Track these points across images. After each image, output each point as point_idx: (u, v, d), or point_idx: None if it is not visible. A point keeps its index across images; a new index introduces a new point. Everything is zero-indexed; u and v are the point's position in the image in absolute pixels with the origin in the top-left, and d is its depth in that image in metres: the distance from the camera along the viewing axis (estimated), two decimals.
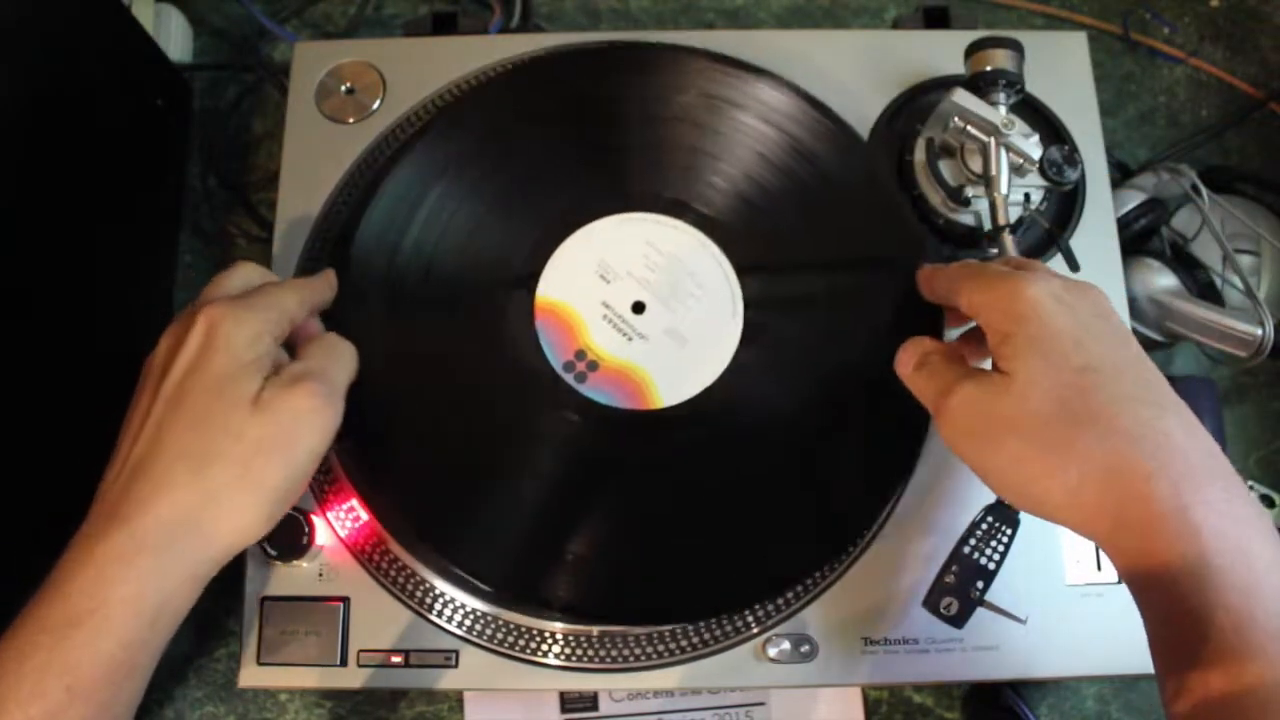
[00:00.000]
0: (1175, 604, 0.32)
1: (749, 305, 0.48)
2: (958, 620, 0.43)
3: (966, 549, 0.43)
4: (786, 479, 0.46)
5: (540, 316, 0.47)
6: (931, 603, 0.43)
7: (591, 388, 0.46)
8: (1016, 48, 0.48)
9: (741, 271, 0.48)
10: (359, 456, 0.45)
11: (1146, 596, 0.34)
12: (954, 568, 0.43)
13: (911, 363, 0.42)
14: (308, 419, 0.38)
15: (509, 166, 0.49)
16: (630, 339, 0.47)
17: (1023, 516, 0.43)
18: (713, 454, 0.46)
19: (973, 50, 0.48)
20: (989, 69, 0.47)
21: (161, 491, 0.35)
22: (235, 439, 0.36)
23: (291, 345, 0.42)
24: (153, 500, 0.35)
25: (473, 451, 0.46)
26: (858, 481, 0.46)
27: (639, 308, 0.48)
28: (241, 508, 0.36)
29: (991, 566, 0.43)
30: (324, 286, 0.45)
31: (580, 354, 0.47)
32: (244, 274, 0.41)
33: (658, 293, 0.48)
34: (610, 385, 0.47)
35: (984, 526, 0.43)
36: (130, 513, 0.35)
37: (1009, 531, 0.43)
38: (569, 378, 0.46)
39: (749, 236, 0.48)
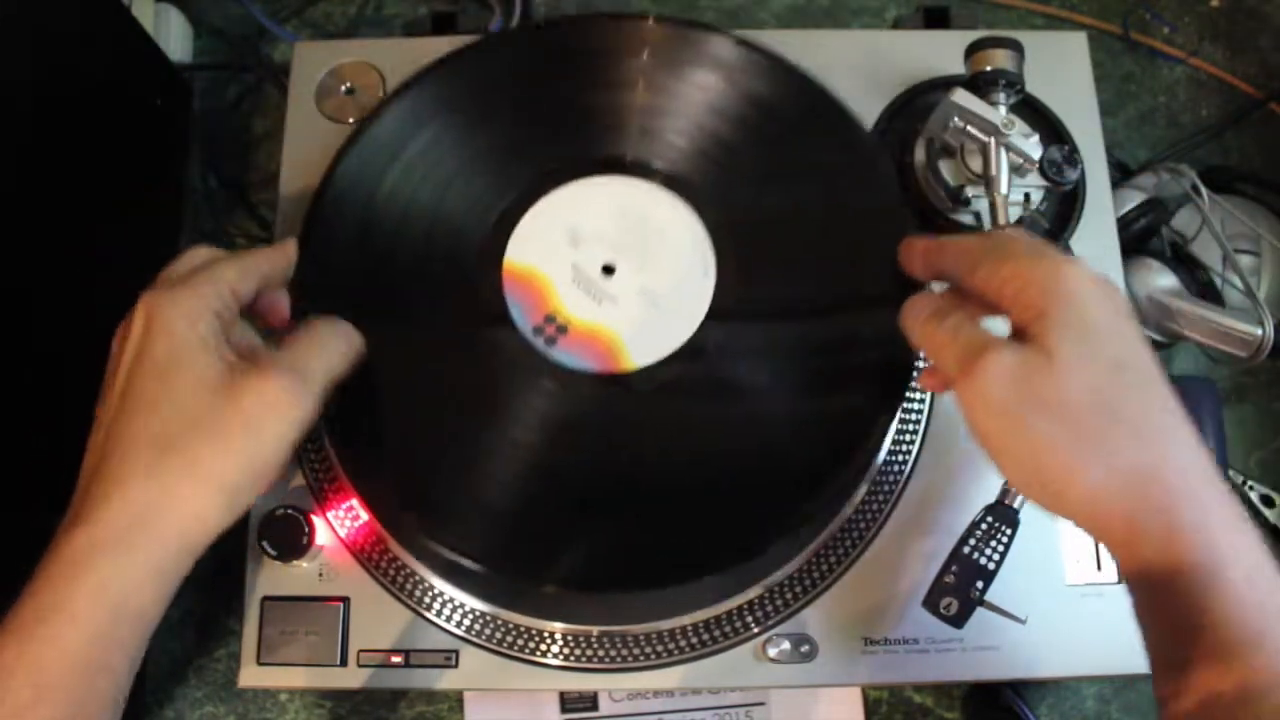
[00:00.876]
0: (1184, 609, 0.32)
1: (721, 262, 0.46)
2: (958, 620, 0.43)
3: (966, 549, 0.43)
4: (764, 439, 0.44)
5: (508, 281, 0.47)
6: (931, 603, 0.43)
7: (561, 351, 0.46)
8: (1016, 48, 0.48)
9: (712, 228, 0.47)
10: (335, 428, 0.45)
11: (1154, 600, 0.34)
12: (954, 568, 0.43)
13: (924, 314, 0.38)
14: (268, 410, 0.36)
15: (475, 136, 0.49)
16: (600, 301, 0.46)
17: (1023, 516, 0.43)
18: (687, 414, 0.45)
19: (973, 50, 0.48)
20: (989, 69, 0.47)
21: (115, 488, 0.35)
22: (183, 425, 0.35)
23: (274, 330, 0.41)
24: (107, 498, 0.34)
25: (443, 422, 0.45)
26: (839, 435, 0.44)
27: (609, 270, 0.47)
28: (194, 500, 0.35)
29: (991, 566, 0.43)
30: (277, 256, 0.42)
31: (549, 318, 0.46)
32: (189, 258, 0.40)
33: (627, 254, 0.47)
34: (580, 348, 0.46)
35: (984, 526, 0.43)
36: (89, 512, 0.34)
37: (1009, 531, 0.43)
38: (538, 342, 0.46)
39: (716, 193, 0.47)
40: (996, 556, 0.43)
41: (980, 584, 0.43)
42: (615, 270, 0.47)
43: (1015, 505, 0.43)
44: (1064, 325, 0.34)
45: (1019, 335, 0.36)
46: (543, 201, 0.48)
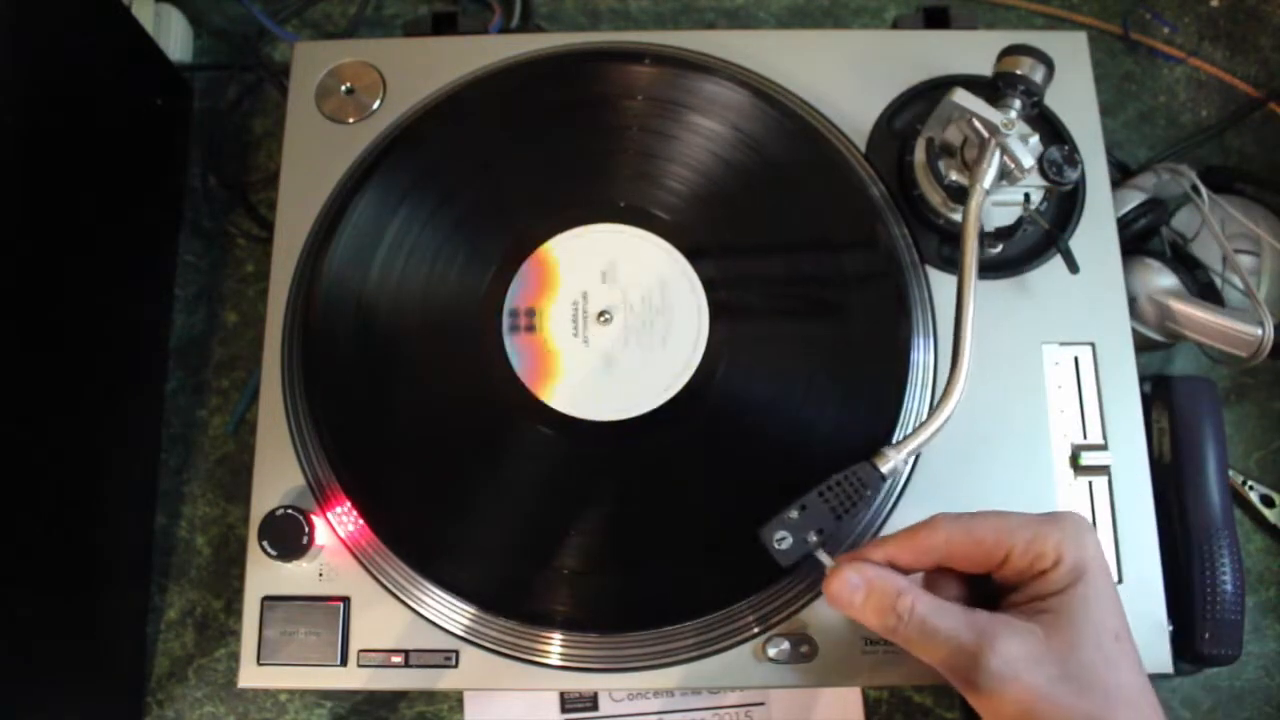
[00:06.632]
0: None
1: (694, 379, 0.47)
2: (784, 558, 0.41)
3: (821, 494, 0.42)
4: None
5: (534, 260, 0.49)
6: (768, 533, 0.41)
7: (512, 341, 0.47)
8: (1049, 65, 0.47)
9: (711, 340, 0.48)
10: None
11: None
12: (804, 507, 0.41)
13: (860, 593, 0.39)
14: None
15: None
16: (575, 334, 0.48)
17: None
18: (579, 475, 0.47)
19: (1009, 52, 0.47)
20: (1017, 72, 0.46)
21: None
22: None
23: None
24: None
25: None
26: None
27: (606, 319, 0.48)
28: None
29: (837, 518, 0.41)
30: None
31: (531, 311, 0.48)
32: None
33: (630, 319, 0.48)
34: (528, 352, 0.47)
35: (851, 481, 0.42)
36: None
37: (869, 493, 0.42)
38: (505, 321, 0.48)
39: (737, 330, 0.48)
40: (844, 512, 0.41)
41: (820, 531, 0.41)
42: (610, 323, 0.48)
43: (884, 470, 0.42)
44: (1080, 597, 0.37)
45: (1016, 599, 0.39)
46: (606, 226, 0.50)
